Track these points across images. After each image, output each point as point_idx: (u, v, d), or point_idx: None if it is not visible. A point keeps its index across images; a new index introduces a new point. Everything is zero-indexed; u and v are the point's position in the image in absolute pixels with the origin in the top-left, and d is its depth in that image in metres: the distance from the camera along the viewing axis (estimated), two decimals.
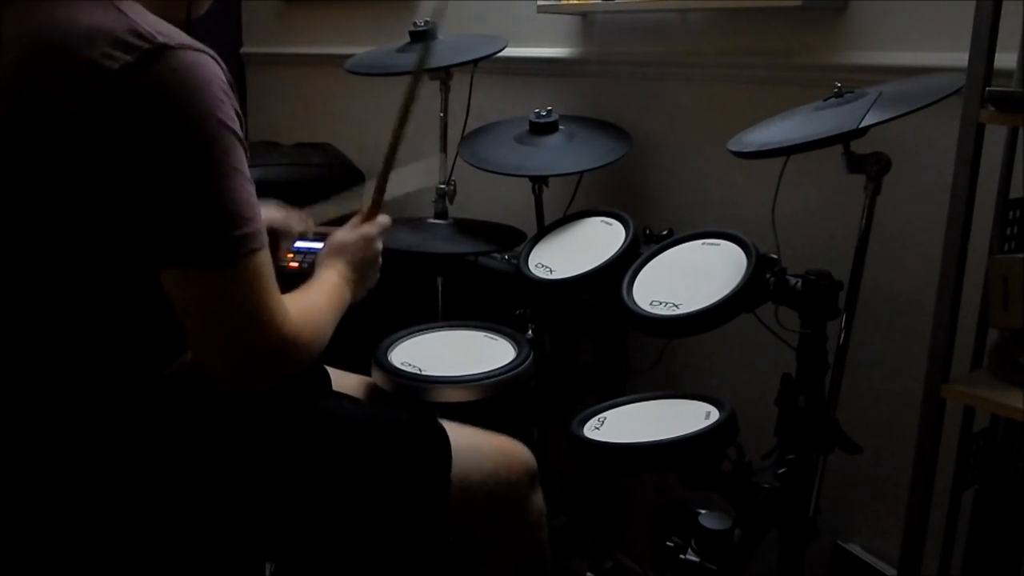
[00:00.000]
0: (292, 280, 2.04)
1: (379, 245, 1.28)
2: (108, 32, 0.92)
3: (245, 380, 0.99)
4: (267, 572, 1.39)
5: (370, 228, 1.28)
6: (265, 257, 0.97)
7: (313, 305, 1.09)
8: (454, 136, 1.94)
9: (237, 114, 0.97)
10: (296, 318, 1.00)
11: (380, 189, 1.32)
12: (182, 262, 0.93)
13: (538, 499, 1.33)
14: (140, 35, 0.92)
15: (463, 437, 1.27)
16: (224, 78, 0.96)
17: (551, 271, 1.60)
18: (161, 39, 0.92)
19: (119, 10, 0.94)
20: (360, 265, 1.24)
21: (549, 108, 1.82)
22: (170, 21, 0.97)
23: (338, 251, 1.24)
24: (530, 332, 1.74)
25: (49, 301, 1.00)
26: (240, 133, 0.96)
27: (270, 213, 1.40)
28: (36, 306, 1.02)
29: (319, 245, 2.04)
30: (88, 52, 0.91)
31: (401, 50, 1.94)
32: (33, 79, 0.94)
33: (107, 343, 0.97)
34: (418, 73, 1.30)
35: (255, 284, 0.95)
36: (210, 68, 0.94)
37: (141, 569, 1.06)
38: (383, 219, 1.31)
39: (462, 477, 1.23)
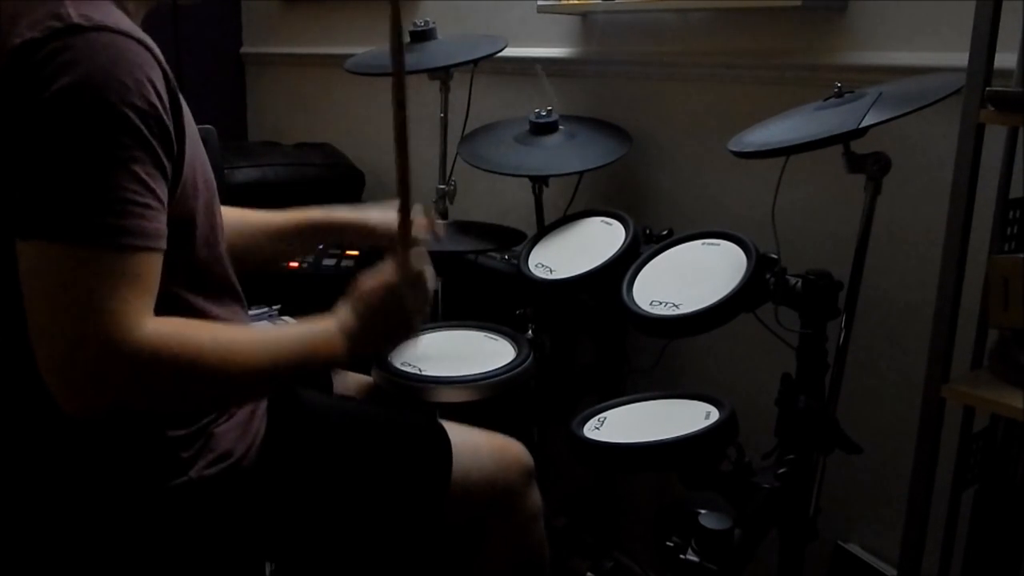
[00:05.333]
0: (292, 280, 2.05)
1: (406, 297, 1.11)
2: (32, 15, 0.89)
3: (73, 387, 0.87)
4: (267, 572, 1.39)
5: (392, 276, 1.10)
6: (126, 261, 0.87)
7: (211, 339, 0.94)
8: (454, 136, 1.94)
9: (155, 108, 0.89)
10: (157, 337, 0.88)
11: (403, 222, 1.14)
12: (29, 232, 0.86)
13: (535, 497, 1.33)
14: (58, 16, 0.88)
15: (461, 437, 1.27)
16: (145, 67, 0.90)
17: (551, 271, 1.60)
18: (76, 20, 0.88)
19: None
20: (368, 315, 1.08)
21: (549, 108, 1.82)
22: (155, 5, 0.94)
23: (353, 297, 1.10)
24: (530, 332, 1.74)
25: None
26: (143, 125, 0.88)
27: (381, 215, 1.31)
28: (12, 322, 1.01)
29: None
30: (6, 35, 0.89)
31: None
32: None
33: None
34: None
35: (97, 279, 0.86)
36: (127, 53, 0.89)
37: (143, 568, 1.06)
38: (412, 264, 1.12)
39: (461, 476, 1.24)
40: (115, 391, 0.88)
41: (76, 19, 0.88)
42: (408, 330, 1.15)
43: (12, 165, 0.87)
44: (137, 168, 0.88)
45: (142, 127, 0.88)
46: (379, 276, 1.11)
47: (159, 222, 0.90)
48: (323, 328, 1.07)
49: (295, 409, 1.21)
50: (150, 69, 0.90)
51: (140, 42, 0.91)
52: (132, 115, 0.87)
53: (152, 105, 0.89)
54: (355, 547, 1.24)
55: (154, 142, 0.89)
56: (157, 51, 0.93)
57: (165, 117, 0.91)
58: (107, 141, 0.86)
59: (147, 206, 0.89)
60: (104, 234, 0.86)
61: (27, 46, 0.87)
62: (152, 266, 0.90)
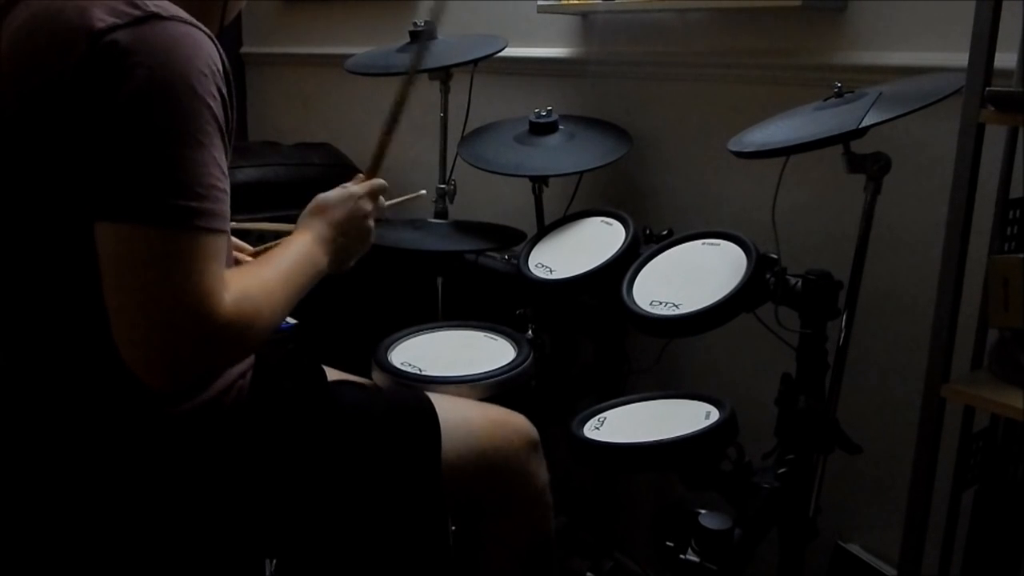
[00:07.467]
0: None
1: (367, 205, 1.22)
2: (103, 3, 0.92)
3: (170, 362, 0.90)
4: (267, 572, 1.39)
5: (356, 187, 1.23)
6: (213, 242, 0.91)
7: (261, 286, 1.00)
8: (454, 136, 1.94)
9: (224, 99, 0.95)
10: (232, 305, 0.92)
11: (375, 165, 1.30)
12: (123, 216, 0.89)
13: (539, 468, 1.31)
14: (135, 5, 0.92)
15: (453, 411, 1.25)
16: (216, 59, 0.95)
17: (551, 271, 1.60)
18: (154, 9, 0.92)
19: None
20: (342, 225, 1.17)
21: (549, 108, 1.82)
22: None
23: (318, 210, 1.18)
24: (530, 332, 1.74)
25: (48, 295, 1.00)
26: (219, 114, 0.93)
27: None
28: (37, 304, 1.02)
29: None
30: (80, 18, 0.92)
31: (401, 50, 1.94)
32: (28, 52, 0.95)
33: (104, 338, 0.97)
34: (413, 73, 1.30)
35: (192, 261, 0.89)
36: (201, 44, 0.93)
37: (143, 567, 1.06)
38: (375, 181, 1.26)
39: (454, 451, 1.21)
40: (210, 359, 0.94)
41: (153, 8, 0.92)
42: (368, 238, 1.22)
43: (95, 148, 0.90)
44: (216, 154, 0.93)
45: (218, 115, 0.93)
46: (344, 188, 1.22)
47: (228, 204, 0.96)
48: (306, 245, 1.13)
49: (276, 392, 1.19)
50: (217, 61, 0.95)
51: (206, 35, 0.95)
52: (212, 104, 0.92)
53: (222, 95, 0.94)
54: (352, 533, 1.22)
55: (223, 129, 0.95)
56: (217, 43, 0.97)
57: (228, 106, 0.96)
58: (197, 129, 0.91)
59: (224, 191, 0.94)
60: (190, 217, 0.90)
61: (110, 31, 0.90)
62: (225, 244, 0.96)
